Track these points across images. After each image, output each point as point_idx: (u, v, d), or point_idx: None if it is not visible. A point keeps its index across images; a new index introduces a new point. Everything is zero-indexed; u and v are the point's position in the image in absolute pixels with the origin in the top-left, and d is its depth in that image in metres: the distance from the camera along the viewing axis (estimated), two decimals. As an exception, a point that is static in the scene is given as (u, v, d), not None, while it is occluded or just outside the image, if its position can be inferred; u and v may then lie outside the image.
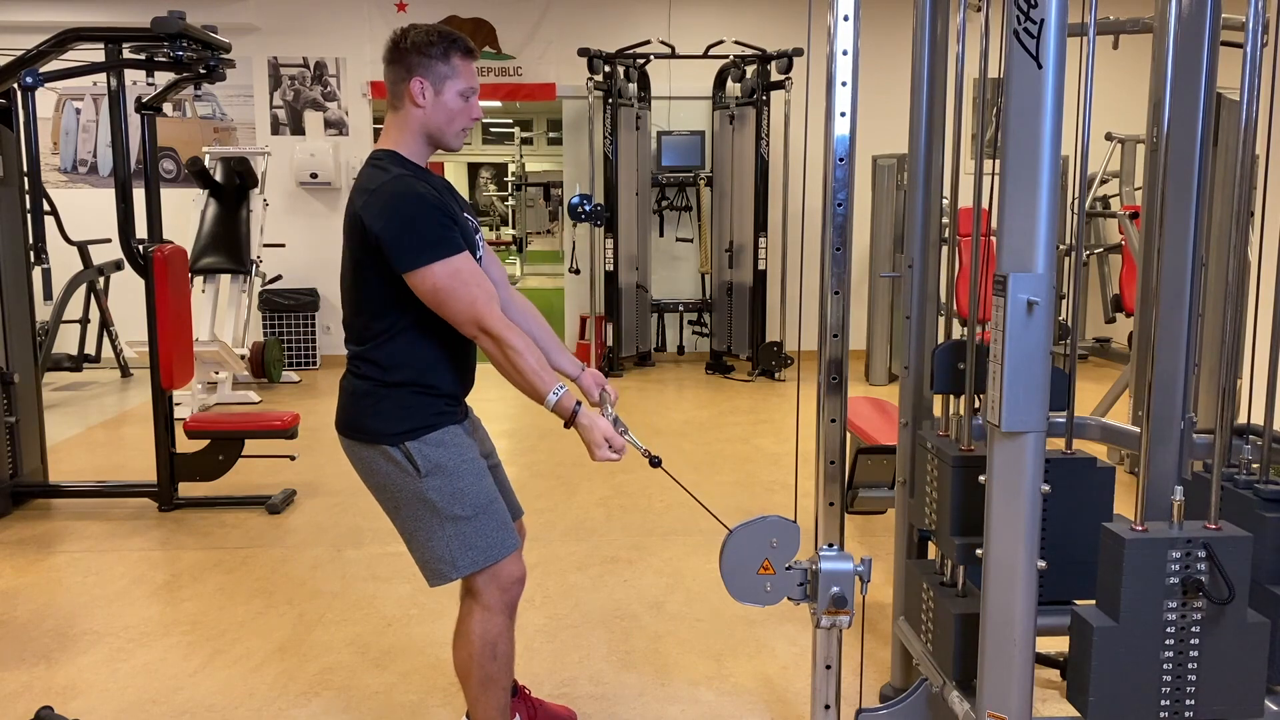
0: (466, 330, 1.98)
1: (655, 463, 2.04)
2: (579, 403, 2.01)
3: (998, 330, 1.66)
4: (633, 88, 7.35)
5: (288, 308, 7.60)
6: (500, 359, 1.98)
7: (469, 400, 2.23)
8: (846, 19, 1.87)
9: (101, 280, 7.00)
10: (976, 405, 2.10)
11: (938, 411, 2.29)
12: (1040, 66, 1.60)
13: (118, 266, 6.72)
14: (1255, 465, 1.95)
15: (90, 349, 7.03)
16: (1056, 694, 2.61)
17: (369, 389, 2.06)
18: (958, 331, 2.08)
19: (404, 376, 2.05)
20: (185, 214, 6.93)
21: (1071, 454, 2.05)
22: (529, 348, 1.99)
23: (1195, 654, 1.70)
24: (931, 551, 2.35)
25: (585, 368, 2.27)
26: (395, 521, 2.12)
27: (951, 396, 2.20)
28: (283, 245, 7.22)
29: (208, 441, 4.29)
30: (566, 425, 2.01)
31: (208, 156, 7.01)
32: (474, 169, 18.87)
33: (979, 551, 1.78)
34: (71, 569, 3.63)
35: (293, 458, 4.55)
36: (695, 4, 7.74)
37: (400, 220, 1.94)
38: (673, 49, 7.28)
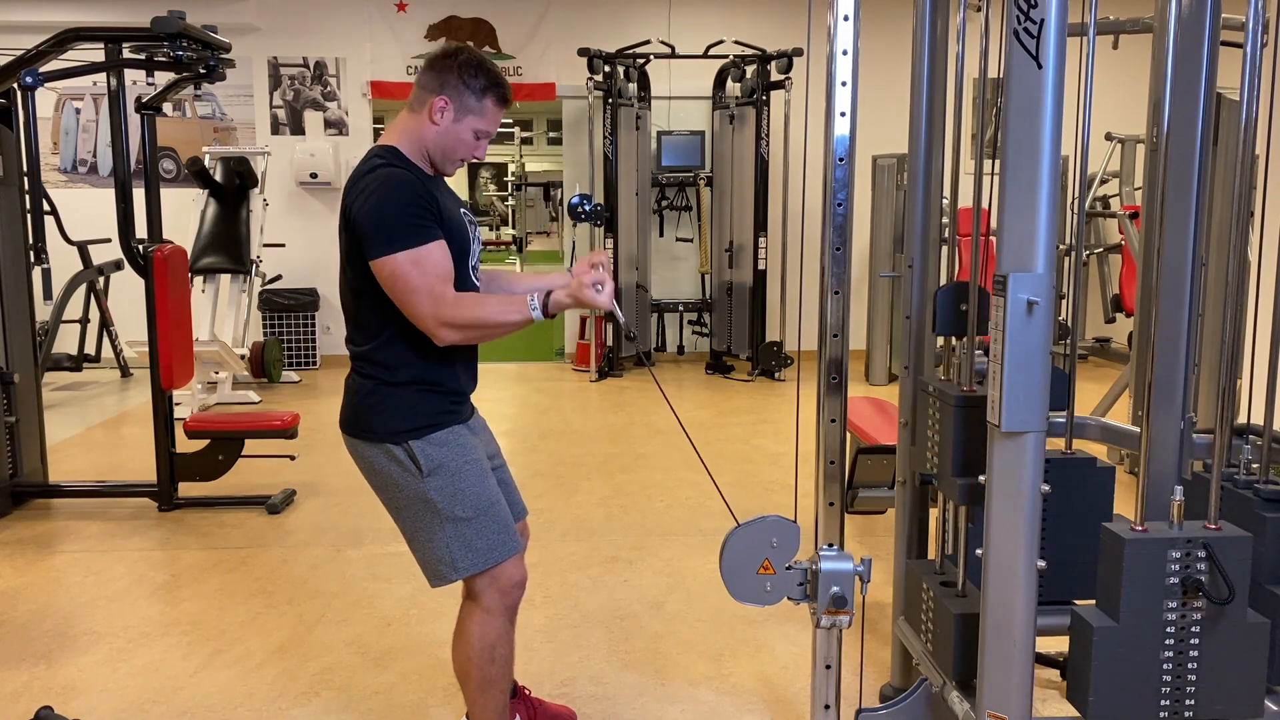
0: (426, 326, 1.94)
1: (632, 337, 2.03)
2: (549, 292, 1.98)
3: (998, 330, 1.66)
4: (633, 88, 7.35)
5: (288, 308, 7.60)
6: (473, 334, 1.97)
7: (474, 400, 2.23)
8: (846, 19, 1.87)
9: (101, 280, 7.00)
10: (978, 346, 2.09)
11: (939, 355, 2.28)
12: (1040, 66, 1.60)
13: (118, 266, 6.72)
14: (1255, 465, 1.95)
15: (90, 349, 7.03)
16: (1056, 694, 2.61)
17: (373, 387, 2.06)
18: (957, 342, 2.09)
19: (409, 376, 2.05)
20: (185, 214, 6.93)
21: (1071, 454, 2.05)
22: (480, 301, 1.98)
23: (1195, 654, 1.70)
24: (931, 551, 2.35)
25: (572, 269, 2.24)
26: (397, 521, 2.12)
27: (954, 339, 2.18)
28: (283, 245, 7.22)
29: (208, 441, 4.29)
30: (551, 315, 1.99)
31: (208, 156, 7.02)
32: (474, 169, 18.90)
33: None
34: (71, 569, 3.63)
35: (293, 458, 4.55)
36: (695, 4, 7.74)
37: (377, 207, 1.93)
38: (673, 49, 7.28)
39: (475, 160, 2.13)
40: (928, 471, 2.21)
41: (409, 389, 2.05)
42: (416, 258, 1.92)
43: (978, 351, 2.09)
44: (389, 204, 1.93)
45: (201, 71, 4.07)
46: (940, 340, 2.29)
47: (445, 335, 1.95)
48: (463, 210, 2.13)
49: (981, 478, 1.78)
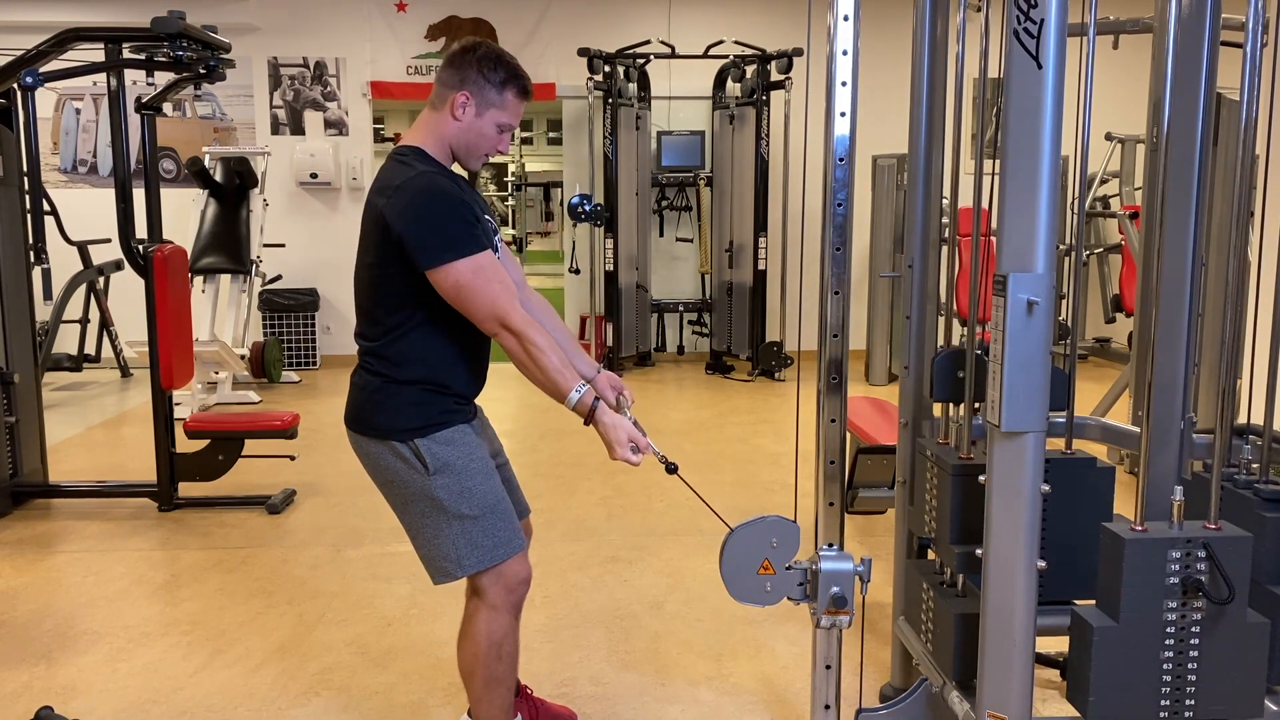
0: (487, 327, 1.97)
1: (672, 469, 2.03)
2: (598, 399, 2.00)
3: (998, 330, 1.66)
4: (633, 88, 7.35)
5: (288, 308, 7.60)
6: (522, 356, 1.96)
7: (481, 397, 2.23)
8: (846, 19, 1.87)
9: (101, 280, 7.00)
10: (976, 410, 2.10)
11: (937, 415, 2.29)
12: (1040, 66, 1.60)
13: (118, 266, 6.72)
14: (1255, 465, 1.95)
15: (90, 349, 7.03)
16: (1056, 694, 2.61)
17: (380, 385, 2.07)
18: (958, 332, 2.09)
19: (416, 374, 2.05)
20: (185, 214, 6.93)
21: (1071, 454, 2.05)
22: (551, 345, 1.97)
23: (1195, 654, 1.70)
24: (931, 552, 2.35)
25: (601, 369, 2.27)
26: (401, 518, 2.13)
27: (951, 403, 2.20)
28: (283, 245, 7.22)
29: (208, 441, 4.29)
30: (586, 422, 1.99)
31: (208, 156, 7.02)
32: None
33: (978, 551, 1.78)
34: (71, 569, 3.63)
35: (293, 458, 4.55)
36: (695, 4, 7.74)
37: (424, 217, 1.94)
38: (673, 49, 7.28)
39: (499, 154, 2.14)
40: (925, 535, 2.21)
41: (415, 387, 2.06)
42: (476, 265, 1.94)
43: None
44: (435, 214, 1.95)
45: (201, 71, 4.07)
46: (937, 410, 2.29)
47: (501, 336, 1.97)
48: (486, 216, 2.14)
49: (979, 550, 1.78)
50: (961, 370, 2.13)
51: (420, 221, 1.94)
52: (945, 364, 2.16)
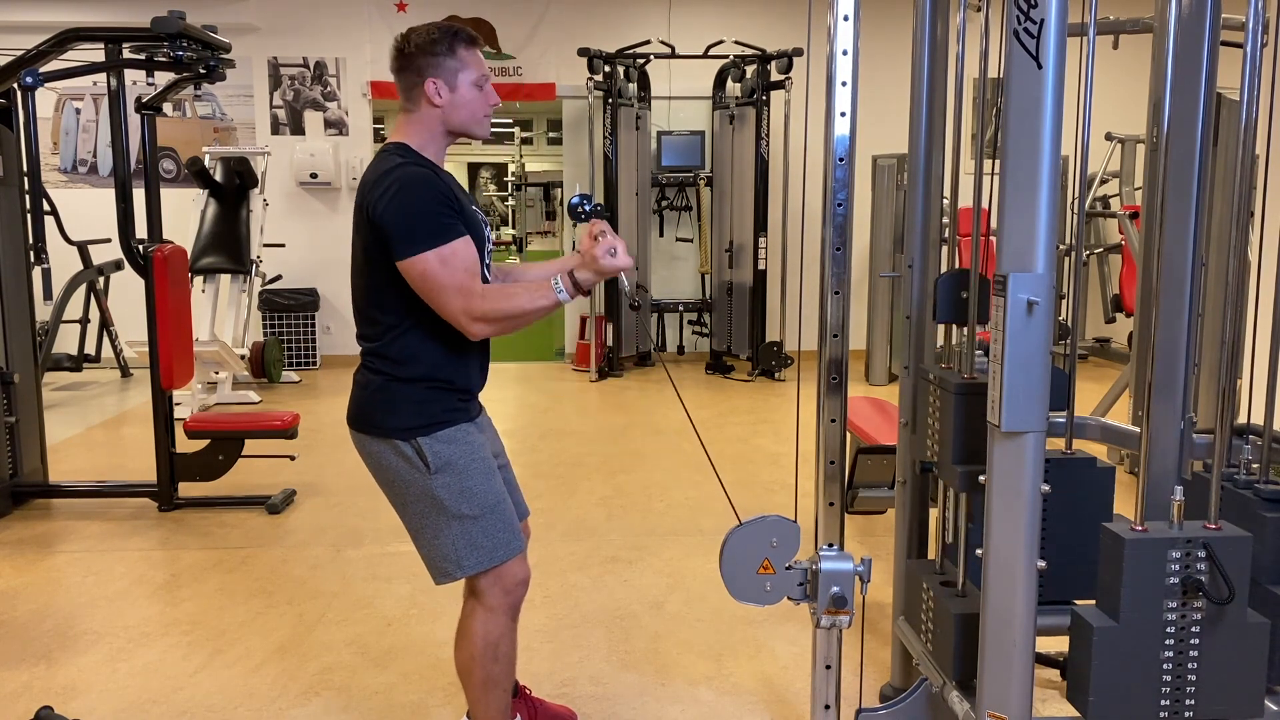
0: (458, 322, 1.97)
1: (635, 306, 2.04)
2: (573, 276, 2.01)
3: (998, 330, 1.66)
4: (633, 88, 7.35)
5: (288, 308, 7.60)
6: (505, 326, 1.99)
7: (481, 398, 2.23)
8: (846, 19, 1.87)
9: (101, 280, 7.00)
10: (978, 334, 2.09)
11: (939, 353, 2.28)
12: (1040, 66, 1.60)
13: (118, 266, 6.72)
14: (1255, 465, 1.95)
15: (90, 349, 7.03)
16: (1056, 694, 2.61)
17: (382, 383, 2.06)
18: (957, 331, 2.09)
19: (417, 372, 2.05)
20: (185, 214, 6.93)
21: (1071, 454, 2.05)
22: (508, 292, 1.99)
23: (1195, 654, 1.70)
24: (931, 551, 2.35)
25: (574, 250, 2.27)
26: (402, 517, 2.13)
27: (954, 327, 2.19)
28: (283, 245, 7.22)
29: (208, 441, 4.29)
30: (585, 293, 2.04)
31: (208, 156, 7.02)
32: (474, 169, 18.87)
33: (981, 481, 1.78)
34: (71, 569, 3.63)
35: (293, 458, 4.55)
36: (695, 4, 7.74)
37: (403, 207, 1.94)
38: (673, 49, 7.28)
39: (495, 106, 2.13)
40: (928, 460, 2.20)
41: (418, 385, 2.05)
42: (444, 256, 1.94)
43: (978, 351, 2.10)
44: (414, 203, 1.95)
45: (201, 71, 4.07)
46: (940, 338, 2.29)
47: (478, 329, 1.98)
48: (474, 207, 2.14)
49: (982, 477, 1.78)
50: (964, 291, 2.12)
51: (398, 210, 1.94)
52: (948, 284, 2.14)
